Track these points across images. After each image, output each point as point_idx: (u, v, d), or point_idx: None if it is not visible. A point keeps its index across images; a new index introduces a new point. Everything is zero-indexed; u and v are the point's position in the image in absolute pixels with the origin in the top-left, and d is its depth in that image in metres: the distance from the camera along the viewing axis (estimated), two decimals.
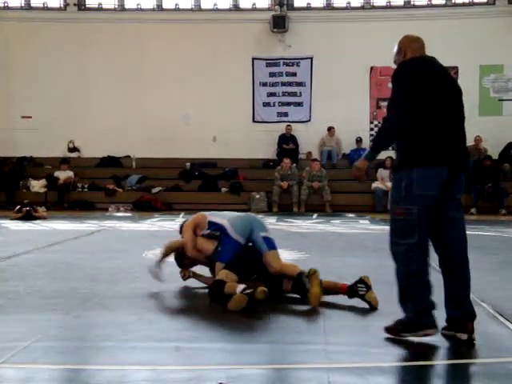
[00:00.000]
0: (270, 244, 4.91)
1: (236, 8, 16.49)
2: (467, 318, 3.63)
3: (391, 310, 4.43)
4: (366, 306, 4.58)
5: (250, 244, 4.93)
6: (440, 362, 3.35)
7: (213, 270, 5.04)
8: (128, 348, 3.54)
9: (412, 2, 16.11)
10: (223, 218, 5.03)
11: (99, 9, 16.61)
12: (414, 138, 3.61)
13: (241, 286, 4.42)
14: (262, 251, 4.85)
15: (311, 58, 16.09)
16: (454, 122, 3.78)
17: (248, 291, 4.34)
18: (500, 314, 4.25)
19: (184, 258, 5.22)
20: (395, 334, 3.66)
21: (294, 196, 14.35)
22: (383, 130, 3.71)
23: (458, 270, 3.80)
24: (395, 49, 3.96)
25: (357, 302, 4.68)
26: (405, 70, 3.71)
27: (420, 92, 3.59)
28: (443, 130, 3.66)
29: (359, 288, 4.64)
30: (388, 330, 3.71)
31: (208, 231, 5.02)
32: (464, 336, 3.58)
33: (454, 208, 3.77)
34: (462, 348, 3.56)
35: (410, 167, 3.59)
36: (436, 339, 3.69)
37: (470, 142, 15.17)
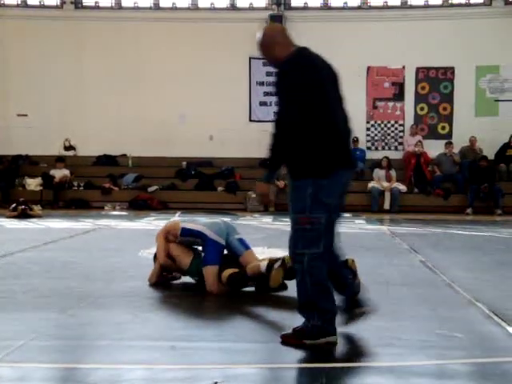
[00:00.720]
0: (246, 245, 5.03)
1: (233, 7, 16.48)
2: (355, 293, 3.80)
3: (388, 309, 4.44)
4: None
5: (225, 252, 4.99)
6: (435, 361, 3.35)
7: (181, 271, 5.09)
8: (123, 347, 3.53)
9: (409, 3, 16.13)
10: (198, 223, 5.06)
11: (96, 7, 16.57)
12: (313, 142, 3.40)
13: (264, 263, 4.52)
14: (238, 252, 4.94)
15: None
16: (342, 117, 3.61)
17: (279, 264, 4.43)
18: (495, 314, 4.26)
19: None
20: (296, 341, 3.51)
21: None
22: (276, 142, 3.43)
23: (339, 268, 3.82)
24: (261, 45, 3.68)
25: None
26: (294, 66, 3.47)
27: (313, 89, 3.41)
28: (339, 130, 3.52)
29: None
30: (287, 337, 3.56)
31: (186, 238, 5.05)
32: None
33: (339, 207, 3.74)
34: (457, 348, 3.57)
35: (315, 175, 3.42)
36: (429, 339, 3.69)
37: (465, 142, 15.24)
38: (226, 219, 5.45)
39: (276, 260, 4.47)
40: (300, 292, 3.55)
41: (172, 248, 5.09)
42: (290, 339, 3.54)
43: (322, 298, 3.49)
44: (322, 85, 3.49)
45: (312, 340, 3.48)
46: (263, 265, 4.48)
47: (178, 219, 5.33)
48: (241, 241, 5.03)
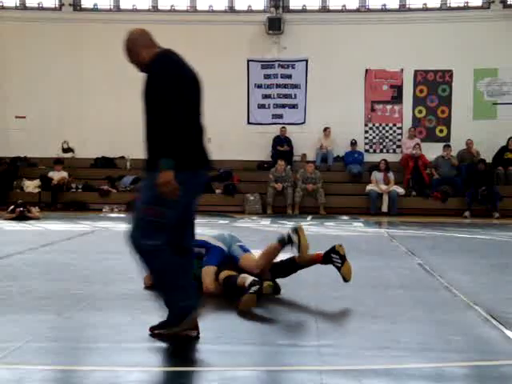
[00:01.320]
0: (245, 248, 5.04)
1: (231, 10, 16.50)
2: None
3: (386, 312, 4.45)
4: (360, 307, 4.58)
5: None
6: (433, 364, 3.35)
7: None
8: (121, 349, 3.53)
9: (407, 6, 16.16)
10: (202, 235, 5.06)
11: (94, 9, 16.59)
12: (178, 139, 3.43)
13: (249, 279, 4.48)
14: (238, 256, 4.95)
15: (306, 61, 16.11)
16: (199, 118, 3.67)
17: (255, 288, 4.36)
18: (493, 317, 4.26)
19: None
20: (158, 331, 3.66)
21: (288, 198, 14.35)
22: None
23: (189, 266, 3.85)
24: (127, 52, 3.79)
25: (350, 304, 4.68)
26: (164, 65, 3.56)
27: (181, 87, 3.47)
28: (198, 128, 3.59)
29: (334, 259, 4.84)
30: (152, 328, 3.71)
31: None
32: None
33: (194, 208, 3.76)
34: (455, 351, 3.57)
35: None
36: (427, 342, 3.69)
37: (463, 145, 15.26)
38: (231, 233, 5.42)
39: (255, 283, 4.42)
40: (158, 284, 3.71)
41: None
42: (154, 329, 3.68)
43: (174, 290, 3.58)
44: (188, 84, 3.56)
45: (173, 331, 3.60)
46: (248, 281, 4.49)
47: None
48: (240, 246, 5.06)
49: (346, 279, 4.84)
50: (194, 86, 3.63)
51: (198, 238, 5.01)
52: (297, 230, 4.70)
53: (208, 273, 4.85)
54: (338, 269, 4.83)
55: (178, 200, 3.46)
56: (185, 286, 3.64)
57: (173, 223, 3.56)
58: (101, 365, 3.28)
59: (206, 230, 6.19)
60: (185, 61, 3.69)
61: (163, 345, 3.60)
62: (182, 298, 3.60)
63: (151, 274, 3.73)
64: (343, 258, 4.83)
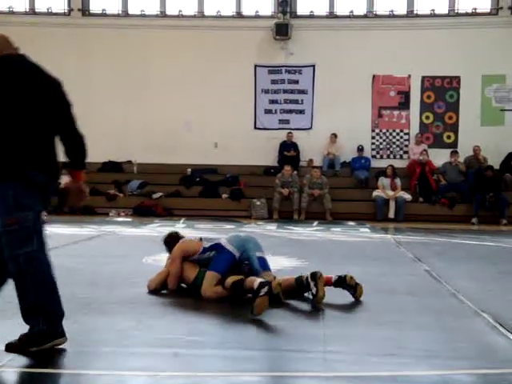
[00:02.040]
0: (265, 266, 4.97)
1: (239, 15, 16.54)
2: None
3: (391, 318, 4.43)
4: (366, 313, 4.57)
5: (246, 262, 4.95)
6: (440, 372, 3.33)
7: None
8: (127, 354, 3.53)
9: (415, 12, 16.14)
10: (220, 237, 5.05)
11: (103, 14, 16.66)
12: (16, 143, 3.43)
13: (258, 281, 4.44)
14: (255, 272, 4.88)
15: (313, 66, 16.12)
16: (46, 126, 3.63)
17: (265, 290, 4.31)
18: (500, 325, 4.24)
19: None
20: (21, 349, 3.39)
21: (294, 203, 14.34)
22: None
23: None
24: None
25: (357, 310, 4.67)
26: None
27: (15, 93, 3.47)
28: (42, 135, 3.55)
29: (347, 288, 4.91)
30: (10, 347, 3.42)
31: (205, 255, 4.99)
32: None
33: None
34: (462, 358, 3.55)
35: (14, 178, 3.41)
36: (434, 349, 3.67)
37: (470, 151, 15.21)
38: (254, 237, 5.36)
39: (264, 284, 4.37)
40: (22, 297, 3.41)
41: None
42: (14, 348, 3.42)
43: (50, 299, 3.44)
44: (24, 89, 3.53)
45: (37, 347, 3.41)
46: (257, 283, 4.44)
47: (199, 242, 5.13)
48: (261, 260, 4.96)
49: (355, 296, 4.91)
50: (33, 94, 3.56)
51: (214, 240, 5.02)
52: (316, 279, 4.63)
53: (209, 278, 4.84)
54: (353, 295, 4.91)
55: (27, 205, 3.43)
56: (57, 292, 3.50)
57: (38, 227, 3.51)
58: (107, 369, 3.28)
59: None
60: (31, 66, 3.69)
61: (169, 350, 3.59)
62: (58, 307, 3.47)
63: (31, 283, 3.40)
64: (355, 287, 4.90)
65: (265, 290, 4.29)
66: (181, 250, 5.07)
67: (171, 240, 5.33)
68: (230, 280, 4.74)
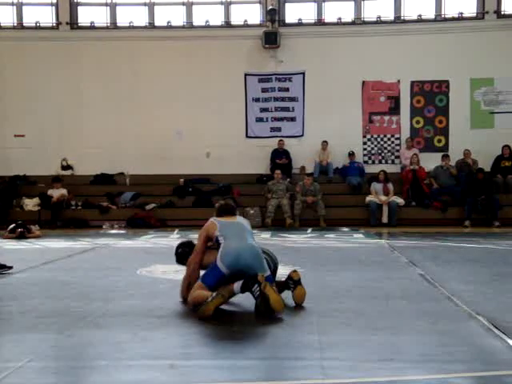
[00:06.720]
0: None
1: (228, 24, 16.60)
2: None
3: (387, 323, 4.43)
4: (362, 319, 4.57)
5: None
6: (436, 376, 3.34)
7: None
8: (122, 366, 3.51)
9: (402, 17, 16.26)
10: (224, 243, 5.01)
11: (91, 27, 16.68)
12: None
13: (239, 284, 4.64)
14: (270, 279, 4.91)
15: (303, 74, 16.18)
16: None
17: (212, 298, 4.54)
18: (495, 327, 4.25)
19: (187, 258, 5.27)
20: None
21: (285, 211, 14.29)
22: None
23: None
24: None
25: (352, 316, 4.67)
26: None
27: None
28: None
29: (289, 283, 5.06)
30: None
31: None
32: None
33: None
34: (458, 362, 3.55)
35: None
36: (429, 352, 3.68)
37: (461, 155, 15.28)
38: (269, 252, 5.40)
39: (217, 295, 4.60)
40: None
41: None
42: None
43: None
44: None
45: None
46: (236, 287, 4.62)
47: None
48: (267, 279, 4.81)
49: (295, 302, 4.99)
50: None
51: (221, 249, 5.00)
52: (259, 284, 4.57)
53: (195, 287, 4.88)
54: (291, 291, 5.03)
55: None
56: None
57: None
58: (103, 383, 3.26)
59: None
60: None
61: (164, 362, 3.58)
62: None
63: None
64: (296, 282, 5.00)
65: (212, 297, 4.55)
66: (204, 228, 5.20)
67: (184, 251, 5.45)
68: (196, 299, 4.77)
